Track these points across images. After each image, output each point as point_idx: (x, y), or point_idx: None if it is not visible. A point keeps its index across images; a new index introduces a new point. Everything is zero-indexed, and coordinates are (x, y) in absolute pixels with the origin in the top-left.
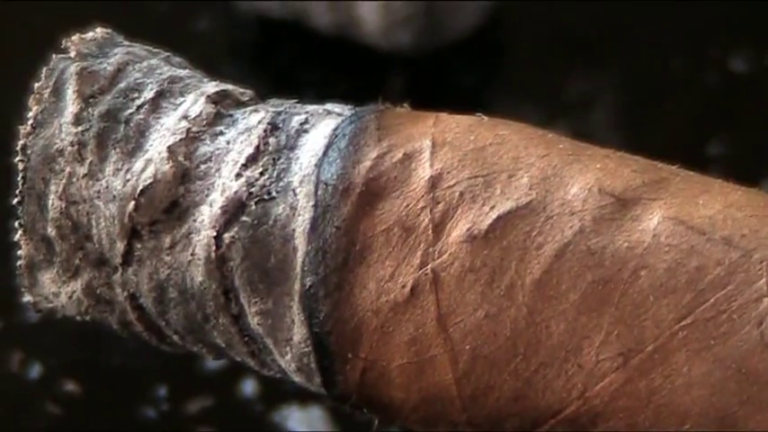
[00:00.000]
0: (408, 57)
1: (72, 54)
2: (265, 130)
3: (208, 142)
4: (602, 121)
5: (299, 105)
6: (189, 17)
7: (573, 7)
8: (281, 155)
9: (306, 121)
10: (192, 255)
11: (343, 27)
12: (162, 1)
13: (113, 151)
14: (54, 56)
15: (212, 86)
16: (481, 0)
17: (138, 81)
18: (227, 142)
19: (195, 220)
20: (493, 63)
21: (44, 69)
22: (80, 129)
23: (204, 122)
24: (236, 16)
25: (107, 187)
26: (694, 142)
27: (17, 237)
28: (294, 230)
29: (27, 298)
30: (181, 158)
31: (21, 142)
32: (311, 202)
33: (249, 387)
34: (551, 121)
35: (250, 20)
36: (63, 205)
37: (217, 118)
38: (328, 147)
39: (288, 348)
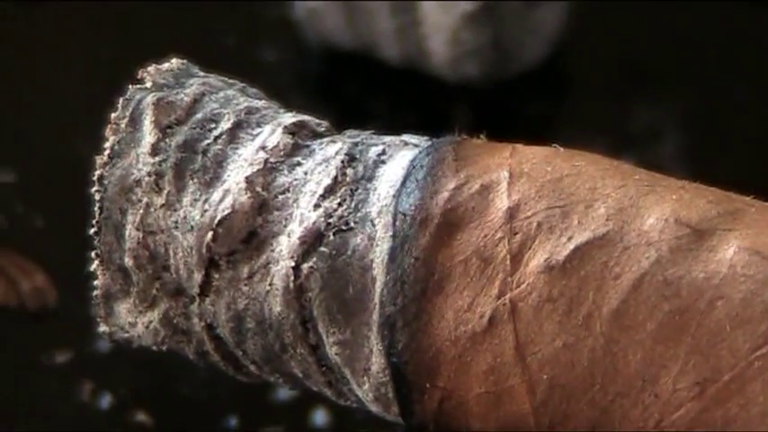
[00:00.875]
0: (476, 88)
1: (148, 84)
2: (343, 161)
3: (285, 173)
4: (669, 152)
5: (375, 136)
6: (255, 48)
7: (638, 38)
8: (358, 185)
9: (383, 152)
10: (270, 285)
11: (411, 58)
12: (229, 32)
13: (191, 182)
14: (131, 86)
15: (289, 117)
16: (547, 32)
17: (215, 111)
18: (305, 173)
19: (273, 251)
20: (559, 94)
21: (121, 100)
22: (157, 159)
23: (282, 153)
24: (304, 47)
25: (185, 217)
26: (763, 172)
27: (93, 267)
28: (372, 261)
29: (103, 328)
30: (259, 189)
31: (97, 172)
32: (389, 233)
33: (320, 417)
34: (618, 153)
35: (318, 51)
36: (140, 235)
37: (294, 149)
38: (406, 178)
39: (365, 378)
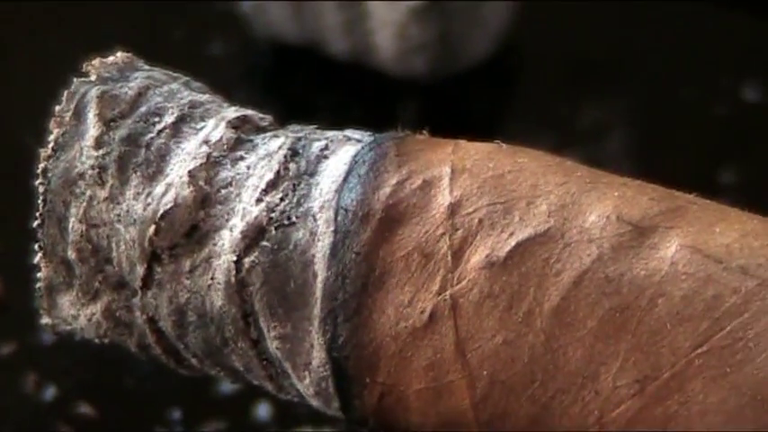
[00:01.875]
0: (422, 83)
1: (93, 77)
2: (285, 156)
3: (228, 167)
4: (615, 149)
5: (318, 131)
6: (203, 42)
7: (585, 35)
8: (301, 180)
9: (326, 147)
10: (211, 279)
11: (358, 53)
12: (177, 26)
13: (134, 175)
14: (75, 79)
15: (232, 112)
16: (494, 28)
17: (159, 105)
18: (248, 167)
19: (215, 245)
20: (506, 90)
21: (65, 93)
22: (101, 152)
23: (225, 147)
24: (251, 41)
25: (128, 211)
26: (706, 171)
27: (36, 259)
28: (314, 256)
29: (45, 320)
30: (201, 183)
31: (41, 165)
32: (331, 228)
33: (263, 410)
34: (564, 149)
35: (265, 45)
36: (83, 228)
37: (237, 143)
38: (348, 173)
39: (306, 372)
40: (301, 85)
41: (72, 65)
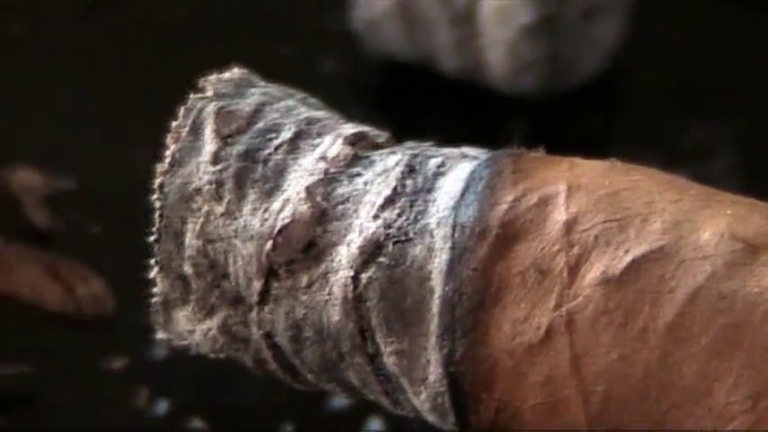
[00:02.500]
0: (532, 101)
1: (209, 94)
2: (402, 173)
3: (345, 183)
4: (722, 167)
5: (434, 148)
6: (315, 59)
7: (694, 54)
8: (418, 197)
9: (442, 164)
10: (328, 294)
11: (468, 71)
12: (287, 44)
13: (251, 191)
14: (192, 96)
15: (349, 128)
16: (604, 46)
17: (276, 121)
18: (365, 183)
19: (332, 260)
20: (614, 108)
21: (182, 109)
22: (218, 168)
23: (342, 163)
24: (362, 58)
25: (245, 226)
26: None
27: (152, 274)
28: (431, 272)
29: (161, 335)
30: (319, 199)
31: (158, 181)
32: (448, 244)
33: (375, 426)
34: (671, 167)
35: (375, 62)
36: (200, 243)
37: (354, 159)
38: (465, 189)
39: (422, 388)
40: (412, 102)
41: (188, 81)
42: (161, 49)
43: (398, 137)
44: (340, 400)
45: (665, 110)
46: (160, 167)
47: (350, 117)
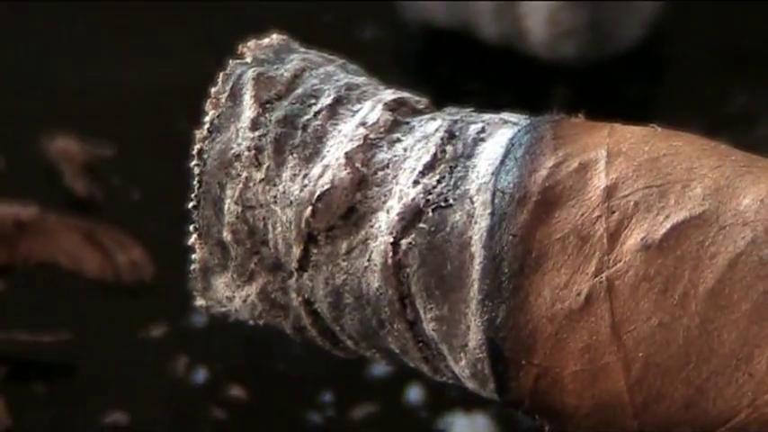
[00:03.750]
0: (573, 68)
1: (249, 59)
2: (442, 139)
3: (385, 149)
4: (764, 133)
5: (474, 114)
6: (353, 25)
7: (738, 20)
8: (458, 163)
9: (482, 130)
10: (368, 261)
11: (508, 38)
12: (327, 10)
13: (291, 157)
14: (231, 61)
15: (389, 94)
16: (645, 13)
17: (316, 87)
18: (405, 150)
19: (372, 227)
20: (656, 75)
21: (221, 74)
22: (257, 134)
23: (381, 129)
24: (402, 25)
25: (284, 192)
26: None
27: (191, 241)
28: (471, 238)
29: (200, 302)
30: (358, 165)
31: (197, 146)
32: (488, 210)
33: (415, 394)
34: (714, 134)
35: (415, 28)
36: (239, 210)
37: (394, 125)
38: (505, 156)
39: (462, 354)
40: (452, 69)
41: (227, 47)
42: (200, 14)
43: (438, 103)
44: (379, 369)
45: (708, 77)
46: (199, 134)
47: (390, 83)
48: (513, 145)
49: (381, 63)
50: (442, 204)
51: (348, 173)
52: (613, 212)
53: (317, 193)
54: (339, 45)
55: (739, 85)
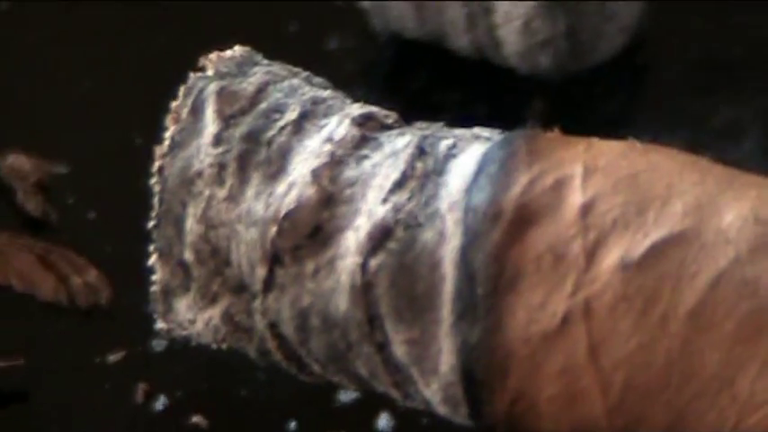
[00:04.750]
0: (549, 80)
1: (210, 73)
2: (412, 155)
3: (353, 166)
4: (750, 148)
5: (446, 129)
6: (320, 36)
7: (718, 31)
8: (428, 180)
9: (454, 146)
10: (336, 281)
11: (481, 48)
12: (292, 20)
13: (255, 174)
14: (192, 75)
15: (356, 108)
16: (624, 23)
17: (280, 102)
18: (373, 166)
19: (340, 246)
20: (636, 87)
21: (182, 88)
22: (220, 150)
23: (349, 145)
24: (370, 35)
25: (248, 211)
26: None
27: (152, 261)
28: (442, 257)
29: (161, 325)
30: (325, 182)
31: (157, 163)
32: (460, 229)
33: (384, 421)
34: (697, 148)
35: (384, 39)
36: (202, 229)
37: (361, 141)
38: (478, 172)
39: (434, 378)
40: (422, 81)
41: (188, 60)
42: (160, 26)
43: (408, 118)
44: (347, 395)
45: (690, 89)
46: (159, 150)
47: (357, 97)
48: (485, 161)
49: (349, 76)
50: (413, 223)
51: (314, 191)
52: (590, 230)
53: (283, 211)
54: (305, 57)
55: (724, 96)
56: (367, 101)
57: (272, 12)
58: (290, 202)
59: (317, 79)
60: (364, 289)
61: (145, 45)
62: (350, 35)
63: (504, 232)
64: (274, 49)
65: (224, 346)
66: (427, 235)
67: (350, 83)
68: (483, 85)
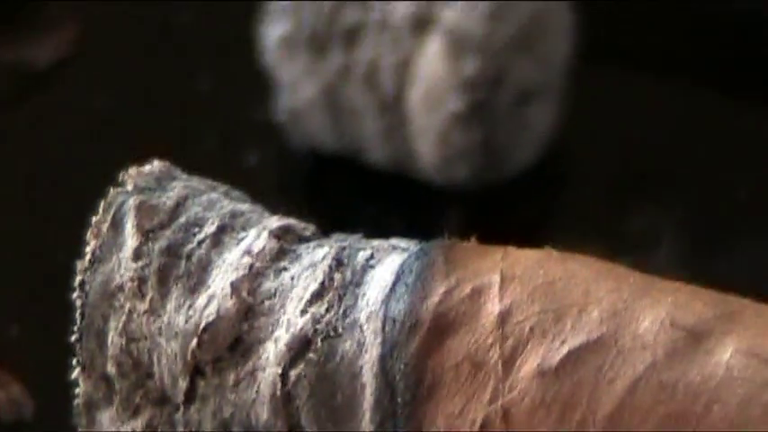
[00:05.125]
0: (466, 190)
1: (130, 188)
2: (330, 266)
3: (272, 278)
4: (666, 256)
5: (363, 240)
6: (237, 151)
7: (634, 139)
8: (346, 291)
9: (371, 257)
10: (256, 392)
11: (399, 161)
12: (209, 135)
13: (175, 287)
14: (112, 189)
15: (274, 221)
16: (539, 133)
17: (199, 215)
18: (292, 278)
19: (260, 358)
20: (553, 196)
21: (102, 203)
22: (140, 264)
23: (267, 258)
24: (288, 150)
25: (169, 324)
26: (764, 276)
27: (75, 375)
28: (362, 367)
29: None
30: (244, 294)
31: (79, 278)
32: (379, 339)
33: None
34: (614, 256)
35: (302, 154)
36: (123, 342)
37: (280, 253)
38: (395, 282)
39: None
40: (340, 194)
41: (107, 175)
42: (79, 141)
43: (327, 230)
44: None
45: (606, 197)
46: (80, 264)
47: (276, 210)
48: (403, 271)
49: (267, 189)
50: (332, 333)
51: (234, 303)
52: (508, 338)
53: (203, 324)
54: (222, 171)
55: (639, 204)
56: (285, 214)
57: (191, 127)
58: (209, 314)
59: (236, 193)
60: (285, 399)
61: (65, 160)
62: (268, 150)
63: (423, 341)
64: (193, 164)
65: None
66: (346, 345)
67: (268, 196)
68: (400, 197)
